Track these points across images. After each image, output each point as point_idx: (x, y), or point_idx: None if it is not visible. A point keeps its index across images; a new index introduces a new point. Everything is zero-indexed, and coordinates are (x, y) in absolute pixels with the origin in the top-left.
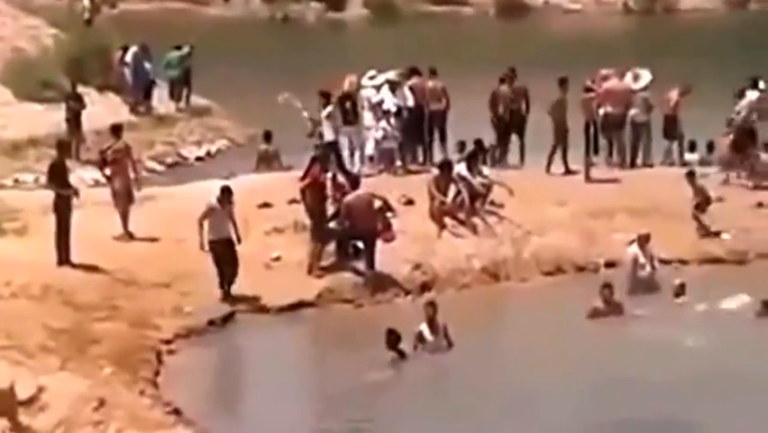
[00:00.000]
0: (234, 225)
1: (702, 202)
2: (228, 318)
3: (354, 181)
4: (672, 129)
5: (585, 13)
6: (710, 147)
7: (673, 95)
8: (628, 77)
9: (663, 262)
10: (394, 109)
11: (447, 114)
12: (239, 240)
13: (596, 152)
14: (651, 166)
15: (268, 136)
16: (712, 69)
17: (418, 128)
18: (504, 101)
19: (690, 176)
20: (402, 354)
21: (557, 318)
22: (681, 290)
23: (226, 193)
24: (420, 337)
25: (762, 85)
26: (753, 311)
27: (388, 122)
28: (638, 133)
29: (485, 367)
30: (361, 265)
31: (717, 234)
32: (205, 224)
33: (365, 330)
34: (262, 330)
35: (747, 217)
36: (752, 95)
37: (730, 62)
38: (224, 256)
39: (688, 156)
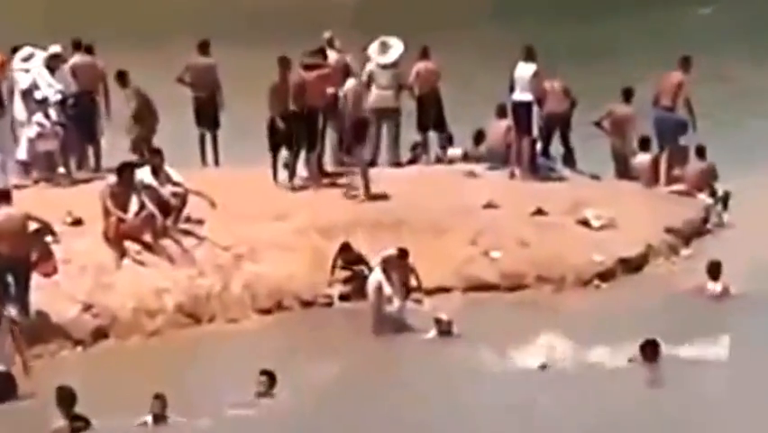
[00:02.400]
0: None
1: None
2: None
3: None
4: (428, 114)
5: None
6: (478, 138)
7: (427, 66)
8: (373, 47)
9: (416, 290)
10: (54, 97)
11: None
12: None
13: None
14: (399, 165)
15: None
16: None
17: (87, 123)
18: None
19: None
20: (86, 423)
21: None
22: (447, 328)
23: None
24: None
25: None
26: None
27: (46, 115)
28: (380, 122)
29: None
30: (11, 308)
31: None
32: None
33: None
34: None
35: (525, 228)
36: (527, 69)
37: (497, 29)
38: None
39: (451, 151)
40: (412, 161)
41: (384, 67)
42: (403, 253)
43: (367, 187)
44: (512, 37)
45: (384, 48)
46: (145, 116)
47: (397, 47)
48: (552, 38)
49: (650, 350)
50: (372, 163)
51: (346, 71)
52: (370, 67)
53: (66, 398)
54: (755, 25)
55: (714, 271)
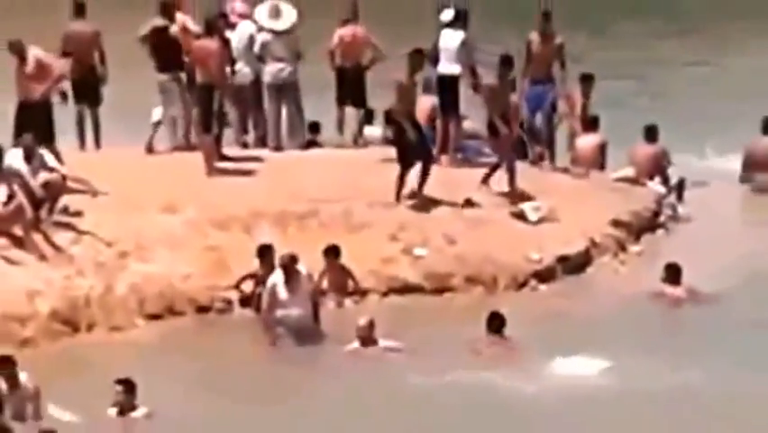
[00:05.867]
0: None
1: None
2: None
3: None
4: (351, 88)
5: None
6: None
7: (356, 31)
8: (262, 12)
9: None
10: None
11: None
12: None
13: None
14: (316, 144)
15: None
16: None
17: None
18: None
19: None
20: None
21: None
22: (368, 332)
23: None
24: None
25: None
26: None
27: None
28: (279, 95)
29: None
30: None
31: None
32: None
33: None
34: None
35: (452, 223)
36: (454, 37)
37: None
38: None
39: (368, 130)
40: (311, 144)
41: (278, 34)
42: (332, 252)
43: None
44: None
45: (276, 12)
46: None
47: (289, 10)
48: None
49: None
50: (279, 146)
51: None
52: (262, 36)
53: None
54: None
55: (672, 275)
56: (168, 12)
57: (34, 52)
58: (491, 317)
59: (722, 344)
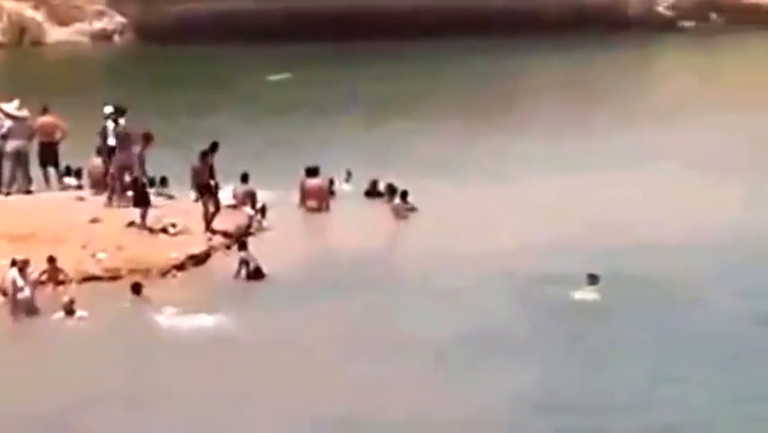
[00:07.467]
0: None
1: None
2: None
3: None
4: (49, 155)
5: None
6: (78, 173)
7: (48, 120)
8: (12, 107)
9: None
10: None
11: None
12: None
13: None
14: (30, 193)
15: None
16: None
17: None
18: None
19: None
20: None
21: None
22: (69, 308)
23: None
24: None
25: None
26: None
27: None
28: (18, 160)
29: None
30: None
31: None
32: None
33: None
34: None
35: (121, 236)
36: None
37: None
38: None
39: (66, 180)
40: (29, 192)
41: (20, 121)
42: (51, 259)
43: None
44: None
45: (19, 107)
46: None
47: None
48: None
49: None
50: (9, 193)
51: None
52: (8, 123)
53: None
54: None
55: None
56: None
57: None
58: (134, 286)
59: (276, 289)
